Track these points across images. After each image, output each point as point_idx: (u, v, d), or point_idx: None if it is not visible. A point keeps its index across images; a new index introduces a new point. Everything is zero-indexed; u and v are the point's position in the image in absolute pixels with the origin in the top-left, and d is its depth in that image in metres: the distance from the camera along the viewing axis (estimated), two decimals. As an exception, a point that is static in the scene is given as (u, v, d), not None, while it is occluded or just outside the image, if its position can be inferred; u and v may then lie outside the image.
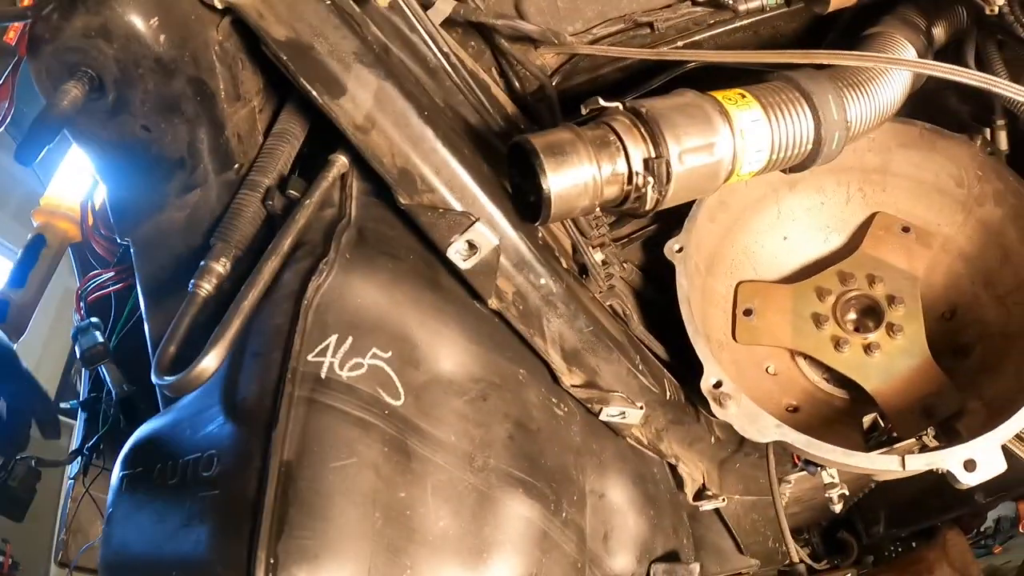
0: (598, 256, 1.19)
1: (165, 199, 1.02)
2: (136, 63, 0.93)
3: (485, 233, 0.90)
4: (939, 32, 1.34)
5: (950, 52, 1.37)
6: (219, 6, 0.92)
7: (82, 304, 1.37)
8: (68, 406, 1.36)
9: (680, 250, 1.31)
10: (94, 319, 1.30)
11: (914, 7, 1.35)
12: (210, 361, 0.81)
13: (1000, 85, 1.03)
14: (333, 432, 0.80)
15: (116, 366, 1.23)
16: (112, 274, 1.42)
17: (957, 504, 1.99)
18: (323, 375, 0.81)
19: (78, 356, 1.24)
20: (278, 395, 0.80)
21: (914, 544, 2.13)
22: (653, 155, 0.92)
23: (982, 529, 2.59)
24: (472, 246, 0.90)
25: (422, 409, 0.87)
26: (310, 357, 0.82)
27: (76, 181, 1.59)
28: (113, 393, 1.23)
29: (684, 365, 1.30)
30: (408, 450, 0.84)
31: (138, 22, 0.91)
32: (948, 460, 1.11)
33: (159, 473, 0.91)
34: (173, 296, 1.08)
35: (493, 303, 0.95)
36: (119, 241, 1.09)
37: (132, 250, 1.11)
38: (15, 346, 1.33)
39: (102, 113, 0.98)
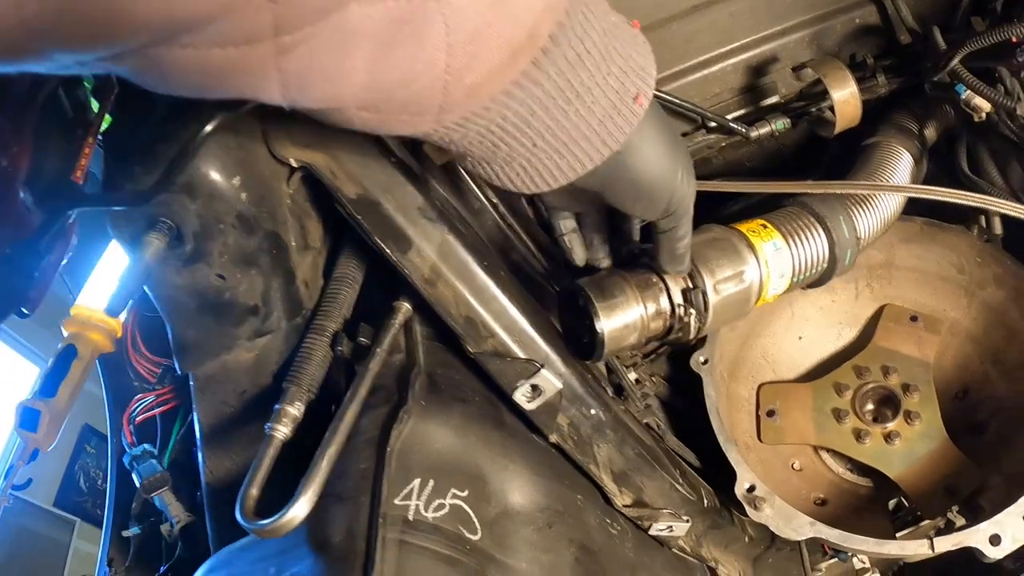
0: (632, 375, 1.26)
1: (234, 341, 1.08)
2: (218, 219, 0.99)
3: (550, 378, 0.97)
4: (930, 132, 1.46)
5: (942, 148, 1.47)
6: (295, 165, 0.99)
7: (131, 427, 1.41)
8: (130, 534, 1.38)
9: (705, 362, 1.39)
10: (147, 446, 1.33)
11: (906, 112, 1.46)
12: (302, 508, 0.84)
13: (997, 204, 1.12)
14: (425, 570, 0.85)
15: (174, 495, 1.27)
16: (155, 396, 1.46)
17: (985, 572, 2.04)
18: (411, 517, 0.87)
19: (138, 484, 1.28)
20: (371, 538, 0.85)
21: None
22: (691, 286, 1.00)
23: (1018, 591, 2.60)
24: (536, 389, 0.97)
25: (496, 541, 0.92)
26: (397, 501, 0.87)
27: (107, 292, 1.62)
28: (172, 522, 1.26)
29: (713, 468, 1.36)
30: (488, 582, 0.89)
31: (221, 180, 0.97)
32: (974, 537, 1.17)
33: (241, 612, 0.95)
34: (235, 431, 1.13)
35: (553, 437, 1.01)
36: (178, 372, 1.14)
37: (192, 383, 1.15)
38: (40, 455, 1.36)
39: (177, 261, 1.03)
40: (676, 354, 1.50)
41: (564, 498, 1.02)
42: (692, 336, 1.04)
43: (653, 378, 1.45)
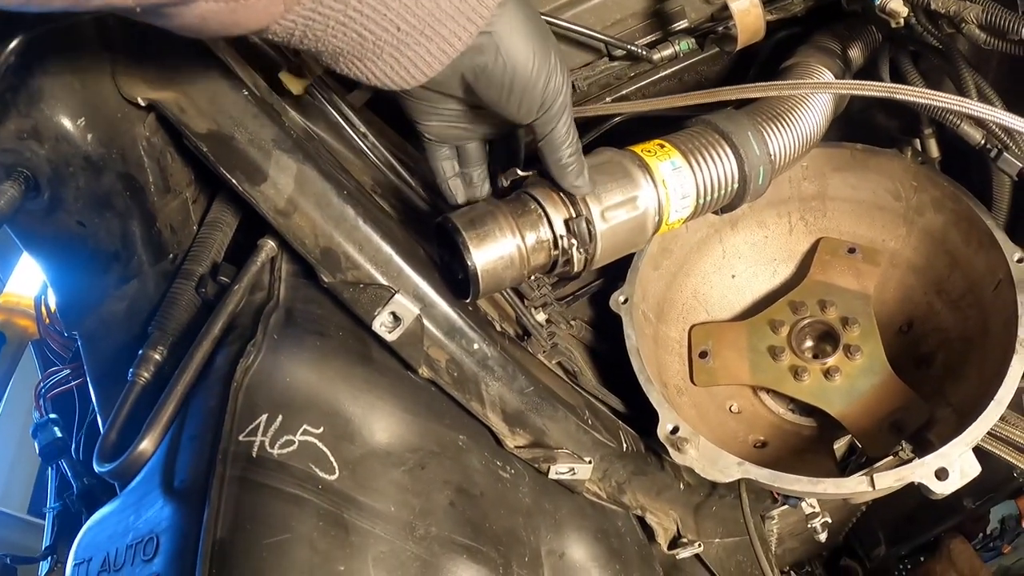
0: (541, 316, 1.20)
1: (105, 291, 1.05)
2: (67, 162, 0.97)
3: (406, 304, 0.92)
4: (855, 54, 1.38)
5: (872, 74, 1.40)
6: (142, 103, 0.95)
7: (41, 401, 1.38)
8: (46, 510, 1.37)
9: (625, 301, 1.33)
10: (52, 415, 1.31)
11: (828, 33, 1.39)
12: (146, 446, 0.84)
13: (902, 91, 1.01)
14: (266, 509, 0.81)
15: (76, 460, 1.24)
16: (69, 370, 1.44)
17: (950, 513, 1.96)
18: (254, 454, 0.83)
19: (37, 452, 1.26)
20: (210, 476, 0.81)
21: (922, 559, 2.10)
22: (573, 215, 0.93)
23: (988, 531, 2.53)
24: (396, 318, 0.92)
25: (358, 482, 0.88)
26: (241, 437, 0.83)
27: (34, 278, 1.62)
28: (75, 487, 1.24)
29: (645, 415, 1.30)
30: (345, 523, 0.85)
31: (66, 123, 0.96)
32: (918, 472, 1.09)
33: (106, 561, 0.92)
34: (120, 385, 1.10)
35: (424, 372, 0.96)
36: (65, 335, 1.12)
37: (80, 343, 1.13)
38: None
39: (40, 211, 1.02)
40: (599, 298, 1.44)
41: (442, 439, 0.97)
42: (578, 269, 0.96)
43: (573, 321, 1.39)
